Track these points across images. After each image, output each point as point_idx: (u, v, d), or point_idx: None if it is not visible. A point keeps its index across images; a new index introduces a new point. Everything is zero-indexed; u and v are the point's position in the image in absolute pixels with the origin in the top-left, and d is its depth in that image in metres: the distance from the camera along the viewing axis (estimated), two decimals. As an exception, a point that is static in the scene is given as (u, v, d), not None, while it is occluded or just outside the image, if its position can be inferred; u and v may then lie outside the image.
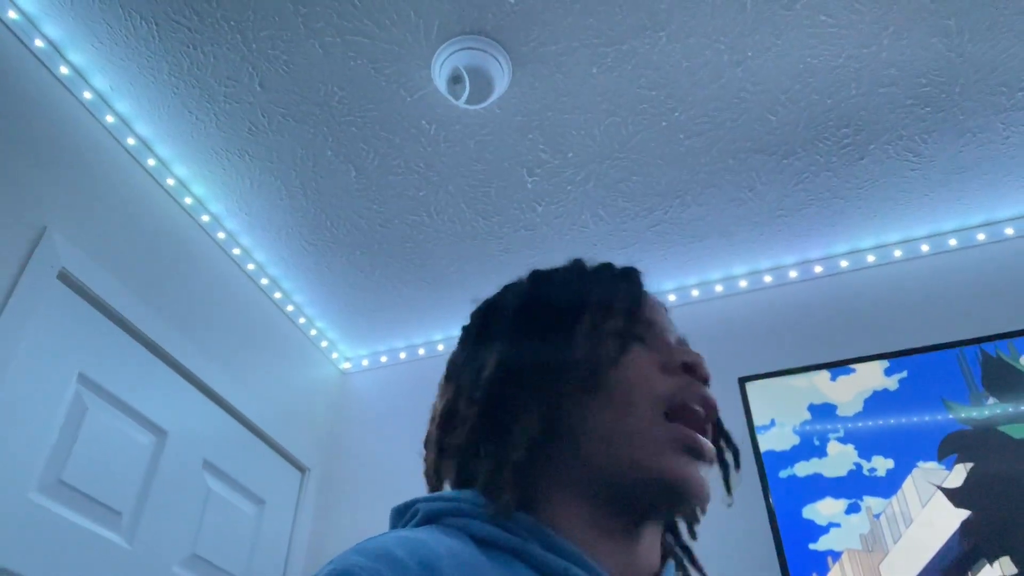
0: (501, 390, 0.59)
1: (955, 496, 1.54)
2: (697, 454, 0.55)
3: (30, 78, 1.61)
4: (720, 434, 0.64)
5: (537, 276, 0.69)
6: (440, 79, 1.67)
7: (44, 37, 1.62)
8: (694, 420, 0.57)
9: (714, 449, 0.57)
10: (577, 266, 0.69)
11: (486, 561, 0.49)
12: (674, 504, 0.56)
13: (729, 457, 0.65)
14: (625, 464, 0.55)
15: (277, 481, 2.15)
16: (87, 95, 1.71)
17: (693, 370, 0.58)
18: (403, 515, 0.57)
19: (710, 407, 0.58)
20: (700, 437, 0.56)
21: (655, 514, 0.57)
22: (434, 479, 0.63)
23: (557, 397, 0.57)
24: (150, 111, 1.78)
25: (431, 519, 0.54)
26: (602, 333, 0.59)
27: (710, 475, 0.66)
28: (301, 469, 2.27)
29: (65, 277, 1.56)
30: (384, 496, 2.21)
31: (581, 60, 1.66)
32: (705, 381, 0.59)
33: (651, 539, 0.58)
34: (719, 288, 2.23)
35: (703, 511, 0.57)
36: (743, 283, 2.21)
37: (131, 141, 1.81)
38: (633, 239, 2.12)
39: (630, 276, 0.67)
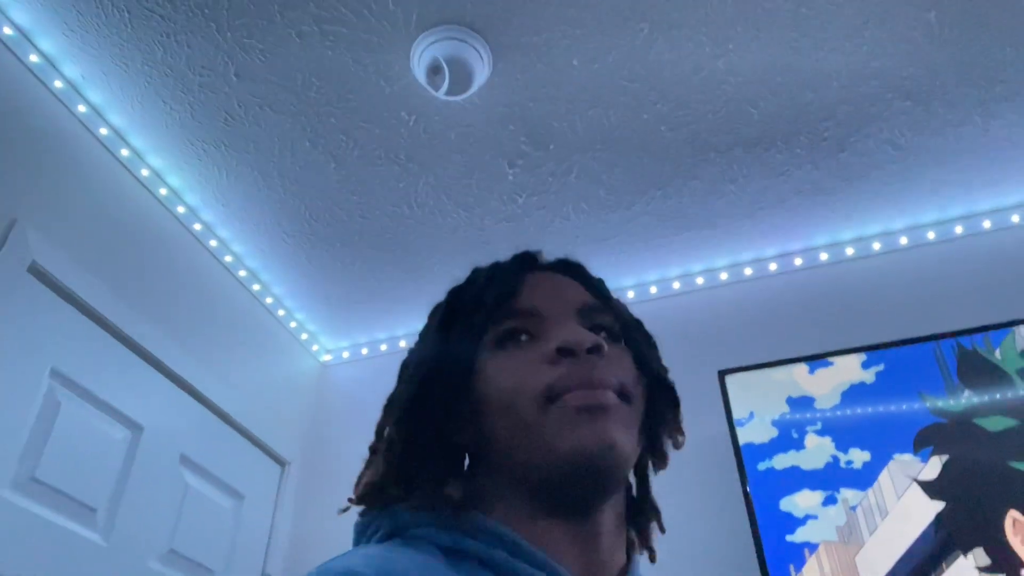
0: (401, 416, 0.60)
1: (930, 488, 1.55)
2: (587, 409, 0.53)
3: (-2, 66, 1.57)
4: (654, 380, 0.62)
5: (430, 313, 0.69)
6: (419, 69, 1.65)
7: (12, 24, 1.58)
8: (581, 392, 0.54)
9: (610, 395, 0.54)
10: (459, 284, 0.68)
11: (453, 573, 0.48)
12: (587, 472, 0.53)
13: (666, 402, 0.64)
14: (532, 460, 0.54)
15: (256, 475, 2.13)
16: (58, 84, 1.67)
17: (571, 351, 0.55)
18: (367, 530, 0.57)
19: (595, 385, 0.55)
20: (588, 391, 0.54)
21: (586, 493, 0.55)
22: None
23: (446, 417, 0.58)
24: (123, 101, 1.74)
25: (395, 533, 0.54)
26: (469, 347, 0.59)
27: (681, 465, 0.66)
28: (281, 463, 2.25)
29: (36, 271, 1.53)
30: (365, 489, 2.20)
31: (562, 51, 1.65)
32: (594, 351, 0.56)
33: (612, 534, 0.57)
34: (700, 280, 2.23)
35: (610, 460, 0.53)
36: (724, 275, 2.21)
37: (104, 131, 1.78)
38: (614, 231, 2.12)
39: (500, 274, 0.64)
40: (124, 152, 1.83)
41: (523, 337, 0.59)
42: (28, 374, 1.49)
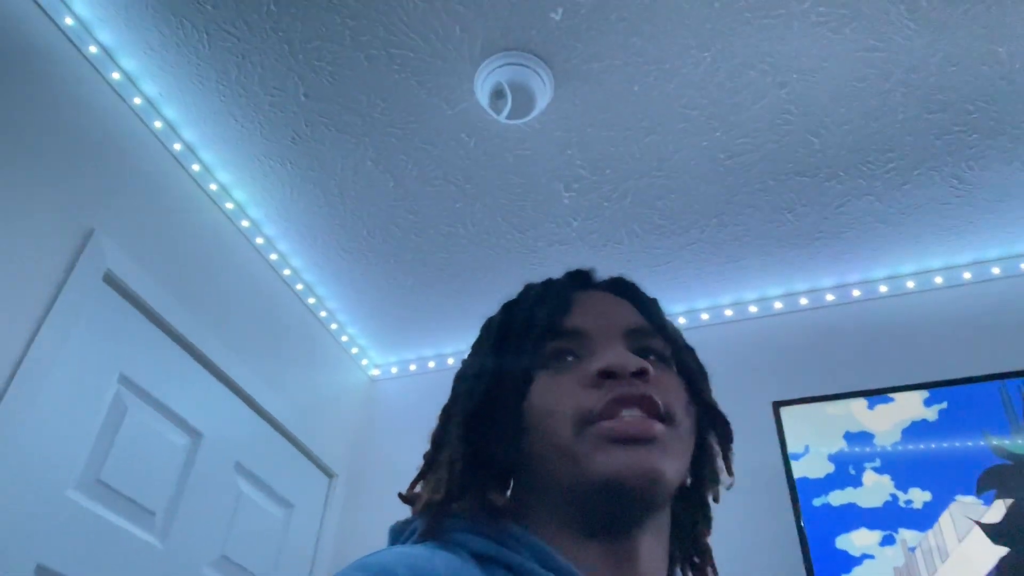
0: (438, 441, 0.62)
1: (993, 532, 1.50)
2: (627, 440, 0.52)
3: (83, 83, 1.64)
4: (705, 411, 0.61)
5: (482, 327, 0.69)
6: (482, 93, 1.68)
7: (97, 43, 1.65)
8: (621, 417, 0.54)
9: (655, 426, 0.53)
10: (512, 299, 0.67)
11: None
12: (622, 499, 0.52)
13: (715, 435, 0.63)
14: (567, 482, 0.54)
15: (305, 486, 2.17)
16: (137, 101, 1.75)
17: (613, 375, 0.54)
18: (402, 534, 0.58)
19: (635, 403, 0.53)
20: (629, 422, 0.53)
21: (619, 517, 0.54)
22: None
23: (480, 442, 0.58)
24: (197, 118, 1.81)
25: (431, 536, 0.54)
26: (523, 365, 0.58)
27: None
28: (329, 475, 2.28)
29: (110, 279, 1.60)
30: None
31: (623, 77, 1.66)
32: (639, 375, 0.54)
33: (652, 559, 0.55)
34: (753, 309, 2.21)
35: (652, 491, 0.52)
36: (778, 305, 2.19)
37: (177, 147, 1.85)
38: (668, 257, 2.11)
39: (551, 292, 0.64)
40: (195, 167, 1.90)
41: (569, 358, 0.58)
42: (98, 378, 1.54)
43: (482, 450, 0.57)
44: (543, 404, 0.56)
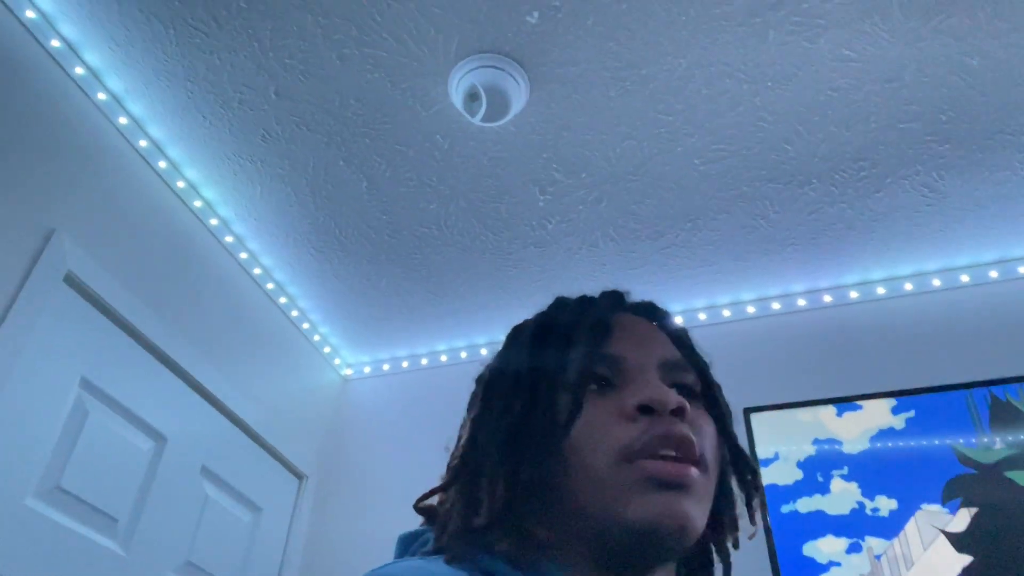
0: (471, 458, 0.58)
1: (958, 541, 1.52)
2: (664, 484, 0.50)
3: (45, 78, 1.60)
4: (733, 454, 0.60)
5: (511, 335, 0.65)
6: (457, 95, 1.66)
7: (60, 37, 1.60)
8: (659, 456, 0.52)
9: (692, 472, 0.52)
10: (547, 312, 0.64)
11: None
12: (651, 544, 0.51)
13: (740, 484, 0.61)
14: (598, 518, 0.52)
15: (274, 488, 2.14)
16: (101, 96, 1.70)
17: (652, 410, 0.53)
18: (411, 544, 0.56)
19: (674, 445, 0.52)
20: (666, 465, 0.51)
21: (642, 560, 0.53)
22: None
23: (520, 465, 0.54)
24: (163, 114, 1.77)
25: (441, 551, 0.52)
26: (554, 396, 0.56)
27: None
28: (299, 476, 2.26)
29: (71, 280, 1.55)
30: (382, 505, 2.20)
31: (599, 82, 1.65)
32: (677, 413, 0.53)
33: None
34: (726, 313, 2.22)
35: (681, 538, 0.50)
36: (751, 309, 2.20)
37: (143, 143, 1.80)
38: (642, 261, 2.11)
39: (592, 313, 0.61)
40: (162, 164, 1.85)
41: (603, 384, 0.56)
42: (59, 382, 1.50)
43: (521, 473, 0.54)
44: (582, 435, 0.54)
